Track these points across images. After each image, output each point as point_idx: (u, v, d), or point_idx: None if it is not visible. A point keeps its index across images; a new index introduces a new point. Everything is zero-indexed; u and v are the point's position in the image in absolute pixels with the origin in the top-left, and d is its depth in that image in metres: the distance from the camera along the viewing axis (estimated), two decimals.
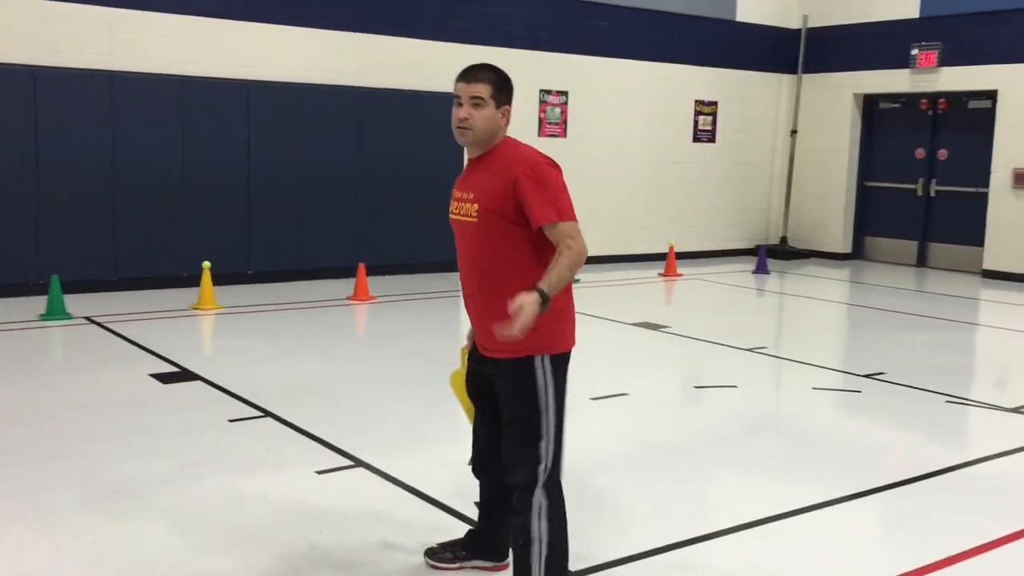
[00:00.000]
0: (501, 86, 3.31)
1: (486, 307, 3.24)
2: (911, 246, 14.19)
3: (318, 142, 10.79)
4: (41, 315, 8.32)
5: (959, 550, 3.96)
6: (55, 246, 9.38)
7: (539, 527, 3.21)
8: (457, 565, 3.69)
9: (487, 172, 3.26)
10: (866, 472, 4.93)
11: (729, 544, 3.99)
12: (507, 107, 3.31)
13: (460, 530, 3.98)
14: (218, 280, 9.45)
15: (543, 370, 3.25)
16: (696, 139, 14.25)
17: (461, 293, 3.44)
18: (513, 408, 3.26)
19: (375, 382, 6.56)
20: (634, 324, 8.87)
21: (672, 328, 8.71)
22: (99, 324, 8.17)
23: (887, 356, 7.72)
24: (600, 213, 13.31)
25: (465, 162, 3.45)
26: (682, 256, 13.42)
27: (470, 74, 3.28)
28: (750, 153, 14.97)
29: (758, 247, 13.97)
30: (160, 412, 5.64)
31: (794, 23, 14.92)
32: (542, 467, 3.23)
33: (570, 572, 3.43)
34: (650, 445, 5.30)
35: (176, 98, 9.91)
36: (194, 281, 9.42)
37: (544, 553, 3.21)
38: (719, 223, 14.74)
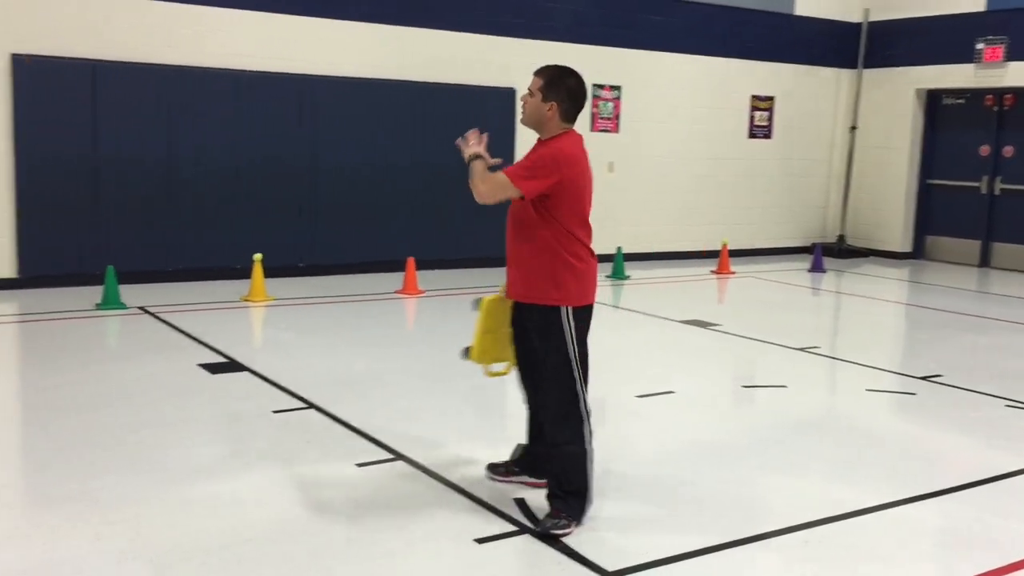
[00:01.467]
0: (551, 83, 3.96)
1: (514, 262, 4.05)
2: (974, 246, 13.79)
3: (373, 137, 10.83)
4: (97, 304, 8.47)
5: (1016, 559, 3.80)
6: (112, 237, 9.55)
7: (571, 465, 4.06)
8: (508, 478, 4.37)
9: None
10: (920, 476, 4.78)
11: (775, 548, 3.88)
12: (554, 103, 3.94)
13: (498, 523, 3.94)
14: (269, 273, 9.54)
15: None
16: (752, 135, 14.02)
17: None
18: (541, 353, 4.11)
19: (419, 376, 6.54)
20: (683, 322, 8.74)
21: (722, 326, 8.56)
22: (152, 314, 8.29)
23: (945, 358, 7.50)
24: (652, 209, 13.17)
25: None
26: (735, 253, 13.22)
27: (536, 70, 4.02)
28: (807, 149, 14.68)
29: (814, 245, 13.70)
30: (206, 402, 5.69)
31: (855, 16, 14.58)
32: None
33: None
34: (696, 444, 5.20)
35: (232, 93, 10.02)
36: (246, 273, 9.52)
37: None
38: (774, 220, 14.49)
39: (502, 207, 4.10)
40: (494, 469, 4.46)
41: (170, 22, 9.71)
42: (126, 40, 9.51)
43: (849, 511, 4.26)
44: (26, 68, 9.02)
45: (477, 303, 4.22)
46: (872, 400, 6.31)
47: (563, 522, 3.90)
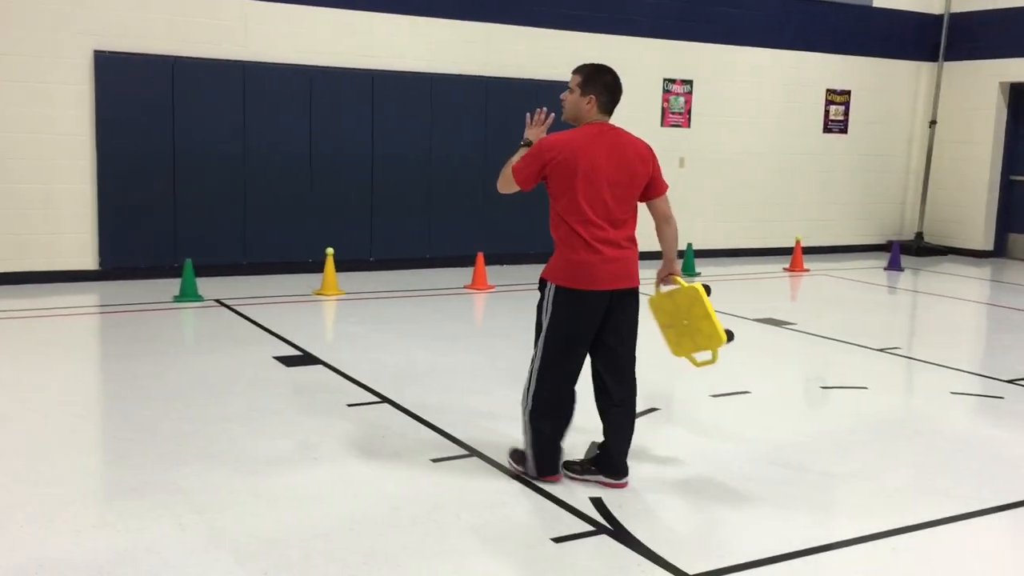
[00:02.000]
0: (589, 79, 4.24)
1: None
2: None
3: (442, 131, 10.86)
4: (175, 297, 8.65)
5: None
6: (188, 230, 9.75)
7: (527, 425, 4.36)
8: (584, 477, 4.37)
9: None
10: (1008, 484, 4.61)
11: (860, 556, 3.77)
12: (593, 96, 4.22)
13: (575, 523, 3.91)
14: (341, 267, 9.63)
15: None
16: (827, 130, 13.73)
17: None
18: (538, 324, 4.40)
19: (490, 371, 6.53)
20: (757, 320, 8.59)
21: (797, 325, 8.39)
22: (228, 307, 8.43)
23: None
24: (724, 205, 12.98)
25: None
26: (809, 251, 12.97)
27: (574, 69, 4.30)
28: (884, 145, 14.32)
29: (890, 243, 13.36)
30: (282, 395, 5.76)
31: (936, 8, 14.17)
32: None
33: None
34: (773, 446, 5.09)
35: (305, 88, 10.14)
36: (318, 267, 9.63)
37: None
38: (849, 217, 14.17)
39: None
40: (570, 467, 4.43)
41: (245, 18, 9.86)
42: (204, 36, 9.68)
43: (936, 519, 4.12)
44: (108, 64, 9.24)
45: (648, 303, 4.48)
46: (957, 403, 6.11)
47: (515, 463, 4.46)
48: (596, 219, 4.15)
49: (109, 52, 9.26)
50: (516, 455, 4.49)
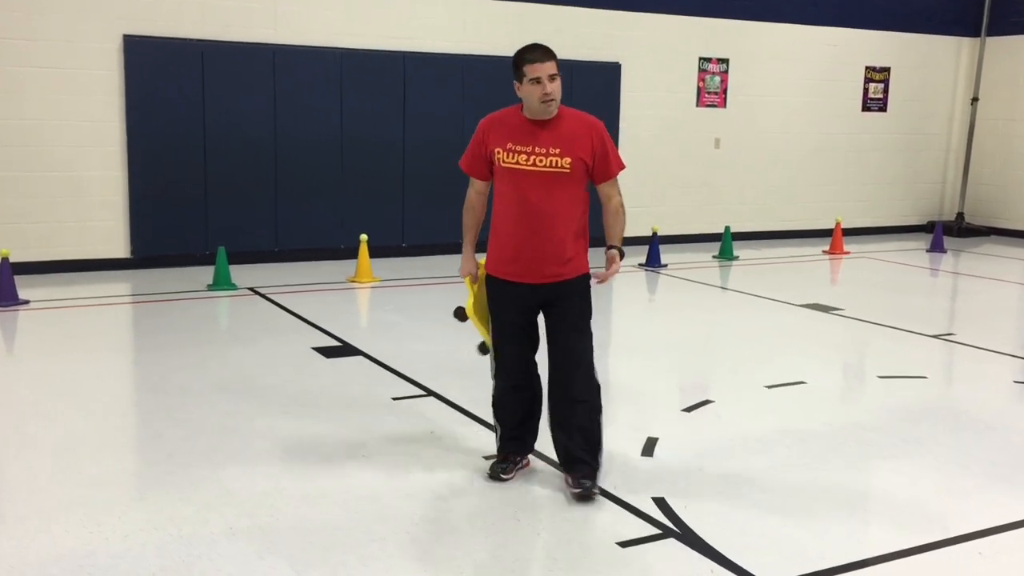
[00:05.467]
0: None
1: (551, 242, 3.94)
2: None
3: (475, 114, 10.57)
4: (208, 285, 8.52)
5: None
6: (221, 217, 9.61)
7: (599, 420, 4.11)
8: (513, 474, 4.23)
9: (567, 131, 3.92)
10: None
11: (946, 560, 3.57)
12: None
13: (640, 525, 3.74)
14: (373, 253, 9.47)
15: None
16: (866, 108, 13.40)
17: (499, 231, 4.04)
18: (583, 314, 4.05)
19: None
20: (802, 306, 8.36)
21: (845, 310, 8.15)
22: (262, 295, 8.30)
23: None
24: (761, 186, 12.71)
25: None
26: (848, 232, 12.69)
27: (541, 54, 3.86)
28: (925, 123, 13.98)
29: (932, 223, 13.06)
30: (324, 388, 5.61)
31: None
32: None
33: None
34: (836, 441, 4.88)
35: (335, 71, 9.95)
36: (351, 253, 9.48)
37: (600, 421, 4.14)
38: (889, 197, 13.86)
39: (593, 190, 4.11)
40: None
41: (275, 1, 9.67)
42: (234, 20, 9.51)
43: (1020, 519, 3.91)
44: (138, 49, 9.09)
45: None
46: (1021, 393, 5.88)
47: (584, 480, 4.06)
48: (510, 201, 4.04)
49: (139, 36, 9.11)
50: (589, 471, 4.06)
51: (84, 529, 3.65)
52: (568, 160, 3.89)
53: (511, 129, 3.97)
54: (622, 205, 4.05)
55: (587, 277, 4.08)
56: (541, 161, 3.89)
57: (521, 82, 3.88)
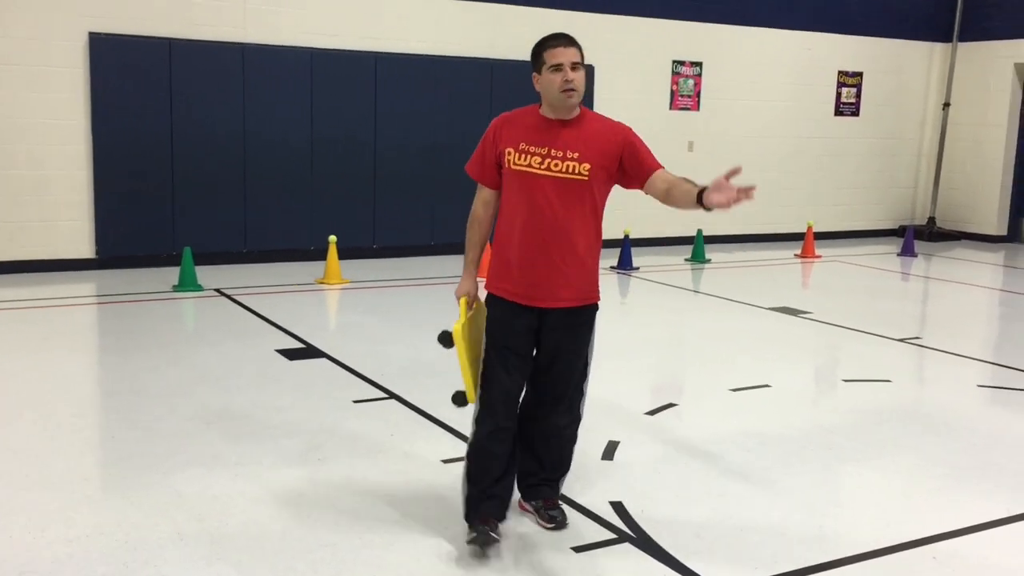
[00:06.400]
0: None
1: (561, 259, 3.47)
2: None
3: (447, 115, 10.60)
4: (174, 286, 8.42)
5: None
6: (187, 218, 9.51)
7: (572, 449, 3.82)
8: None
9: (587, 133, 3.48)
10: None
11: (901, 565, 3.56)
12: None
13: (595, 529, 3.70)
14: (343, 254, 9.41)
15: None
16: (838, 112, 13.47)
17: (504, 245, 3.55)
18: (582, 351, 3.63)
19: None
20: (771, 309, 8.37)
21: (813, 314, 8.17)
22: (228, 296, 8.21)
23: None
24: None
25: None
26: (821, 236, 12.74)
27: (564, 40, 3.47)
28: (897, 128, 14.06)
29: (903, 228, 13.13)
30: (286, 391, 5.54)
31: None
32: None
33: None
34: (797, 444, 4.87)
35: (305, 71, 9.88)
36: (320, 255, 9.40)
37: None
38: (862, 201, 13.93)
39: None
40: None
41: (246, 0, 9.58)
42: (202, 18, 9.41)
43: (979, 523, 3.91)
44: (104, 47, 8.98)
45: None
46: (985, 397, 5.90)
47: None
48: (515, 222, 3.58)
49: (105, 35, 9.00)
50: (553, 500, 3.83)
51: (27, 534, 3.57)
52: (587, 166, 3.42)
53: (526, 128, 3.52)
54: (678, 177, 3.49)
55: (597, 307, 3.65)
56: (556, 165, 3.43)
57: (540, 71, 3.45)
